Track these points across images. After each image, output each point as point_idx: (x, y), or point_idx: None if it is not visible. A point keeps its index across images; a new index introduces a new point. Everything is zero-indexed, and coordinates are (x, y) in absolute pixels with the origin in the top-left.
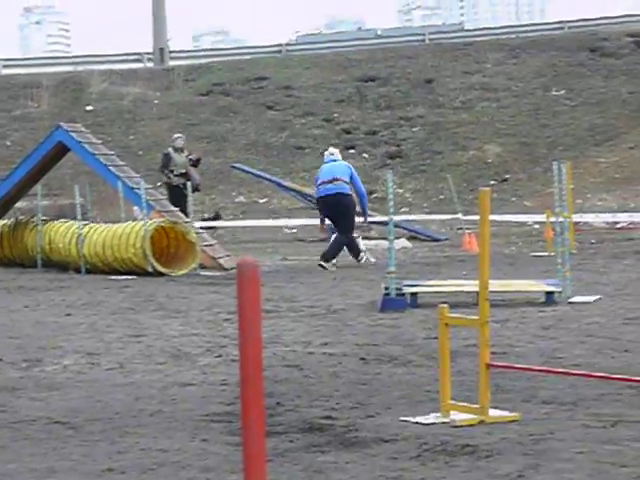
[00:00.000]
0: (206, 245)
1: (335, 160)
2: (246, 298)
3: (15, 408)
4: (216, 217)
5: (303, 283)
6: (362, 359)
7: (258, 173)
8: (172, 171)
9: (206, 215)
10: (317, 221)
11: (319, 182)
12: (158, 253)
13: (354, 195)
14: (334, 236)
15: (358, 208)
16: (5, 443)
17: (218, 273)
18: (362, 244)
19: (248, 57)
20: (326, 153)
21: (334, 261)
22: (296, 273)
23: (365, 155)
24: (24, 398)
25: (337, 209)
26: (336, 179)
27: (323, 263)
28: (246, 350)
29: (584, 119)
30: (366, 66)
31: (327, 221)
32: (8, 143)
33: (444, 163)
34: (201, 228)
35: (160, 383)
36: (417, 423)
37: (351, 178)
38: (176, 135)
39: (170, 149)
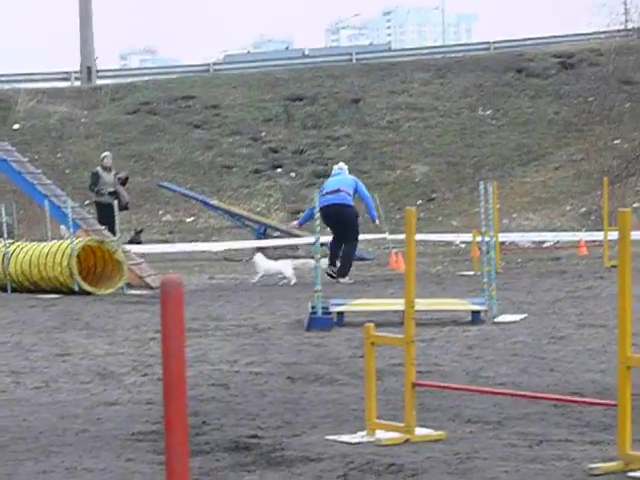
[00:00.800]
0: (133, 264)
1: (341, 174)
2: (170, 316)
3: None
4: (137, 234)
5: (230, 302)
6: (288, 378)
7: (185, 192)
8: (101, 190)
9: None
10: (243, 242)
11: (323, 193)
12: (85, 272)
13: (355, 208)
14: (342, 250)
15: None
16: None
17: (145, 292)
18: (290, 264)
19: (175, 76)
20: (335, 167)
21: (349, 276)
22: (223, 292)
23: (292, 174)
24: None
25: (338, 219)
26: (339, 190)
27: (341, 280)
28: (169, 368)
29: (510, 139)
30: (293, 85)
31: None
32: None
33: (371, 182)
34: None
35: (86, 402)
36: (343, 442)
37: (356, 190)
38: (104, 154)
39: (99, 168)
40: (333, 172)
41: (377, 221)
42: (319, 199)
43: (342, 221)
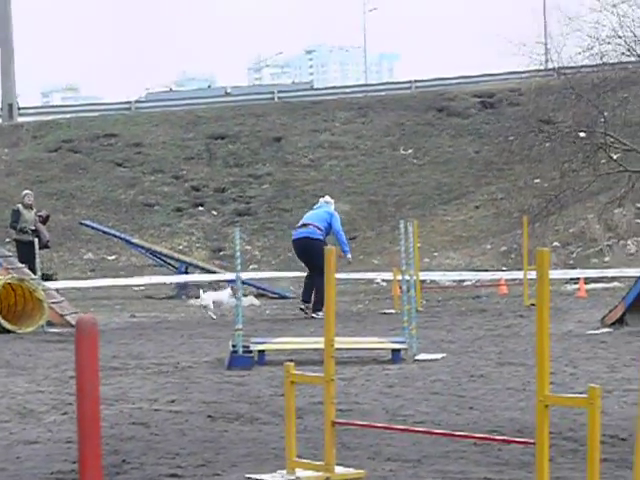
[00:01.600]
0: (54, 302)
1: (322, 207)
2: (84, 355)
3: None
4: (48, 279)
5: (151, 340)
6: (209, 417)
7: (107, 230)
8: (22, 228)
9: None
10: (164, 278)
11: (296, 226)
12: (5, 310)
13: (323, 241)
14: (316, 284)
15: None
16: None
17: (66, 330)
18: (208, 298)
19: (97, 114)
20: (320, 200)
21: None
22: (144, 330)
23: (214, 212)
24: None
25: (304, 252)
26: (308, 224)
27: (314, 315)
28: (83, 406)
29: (431, 178)
30: (215, 123)
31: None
32: None
33: (293, 220)
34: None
35: (5, 441)
36: None
37: (330, 224)
38: (25, 191)
39: (19, 205)
40: (315, 205)
41: (349, 256)
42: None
43: (308, 254)
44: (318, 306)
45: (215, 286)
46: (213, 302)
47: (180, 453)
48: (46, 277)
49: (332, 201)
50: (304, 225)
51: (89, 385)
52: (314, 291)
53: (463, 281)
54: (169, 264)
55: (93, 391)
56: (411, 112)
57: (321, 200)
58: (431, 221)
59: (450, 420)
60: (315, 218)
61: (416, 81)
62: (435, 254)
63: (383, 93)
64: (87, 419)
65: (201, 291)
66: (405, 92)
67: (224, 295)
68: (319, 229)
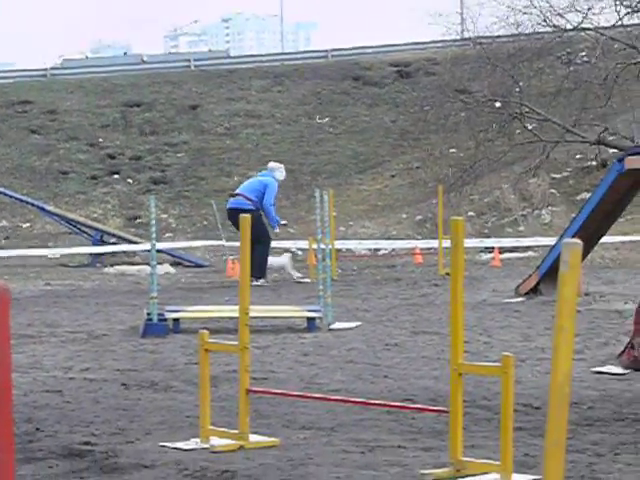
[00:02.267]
0: None
1: (263, 175)
2: None
3: None
4: None
5: (66, 308)
6: (123, 385)
7: (21, 197)
8: None
9: None
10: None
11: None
12: None
13: (254, 210)
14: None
15: None
16: None
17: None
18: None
19: (12, 80)
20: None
21: (264, 279)
22: (59, 298)
23: (130, 180)
24: None
25: (235, 222)
26: (237, 194)
27: (255, 282)
28: None
29: (347, 147)
30: (131, 91)
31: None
32: None
33: (209, 189)
34: None
35: None
36: (177, 449)
37: (263, 194)
38: None
39: None
40: (260, 172)
41: (276, 228)
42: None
43: (237, 225)
44: (253, 273)
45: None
46: (275, 266)
47: (94, 421)
48: None
49: (277, 166)
50: (234, 195)
51: (0, 352)
52: (251, 260)
53: (378, 250)
54: (84, 232)
55: (4, 358)
56: (327, 81)
57: (268, 165)
58: (347, 190)
59: (364, 388)
60: (246, 188)
61: (332, 50)
62: (351, 223)
63: (299, 62)
64: None
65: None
66: (321, 61)
67: (284, 260)
68: (248, 199)
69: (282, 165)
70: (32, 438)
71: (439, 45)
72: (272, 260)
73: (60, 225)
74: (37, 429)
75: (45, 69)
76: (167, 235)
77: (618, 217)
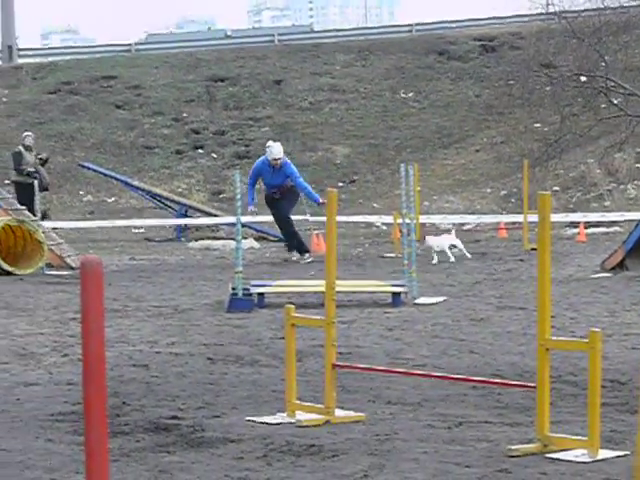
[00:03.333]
0: (53, 244)
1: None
2: (89, 295)
3: None
4: (44, 217)
5: (151, 283)
6: (209, 359)
7: (106, 172)
8: (23, 170)
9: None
10: (163, 220)
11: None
12: (4, 252)
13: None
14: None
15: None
16: None
17: (65, 272)
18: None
19: (97, 56)
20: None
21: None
22: (144, 272)
23: (214, 155)
24: None
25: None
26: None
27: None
28: (89, 347)
29: (432, 121)
30: (215, 66)
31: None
32: None
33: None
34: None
35: (5, 383)
36: (263, 423)
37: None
38: (26, 133)
39: (21, 147)
40: None
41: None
42: None
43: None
44: (291, 246)
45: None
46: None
47: (180, 395)
48: (42, 215)
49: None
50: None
51: (94, 325)
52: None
53: (463, 224)
54: (168, 206)
55: (98, 332)
56: (411, 55)
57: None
58: (431, 165)
59: (450, 364)
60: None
61: (417, 24)
62: (435, 198)
63: (383, 36)
64: (92, 360)
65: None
66: (405, 35)
67: (446, 240)
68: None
69: (274, 144)
70: (119, 412)
71: (524, 20)
72: (434, 240)
73: (145, 200)
74: (124, 403)
75: (130, 44)
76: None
77: None
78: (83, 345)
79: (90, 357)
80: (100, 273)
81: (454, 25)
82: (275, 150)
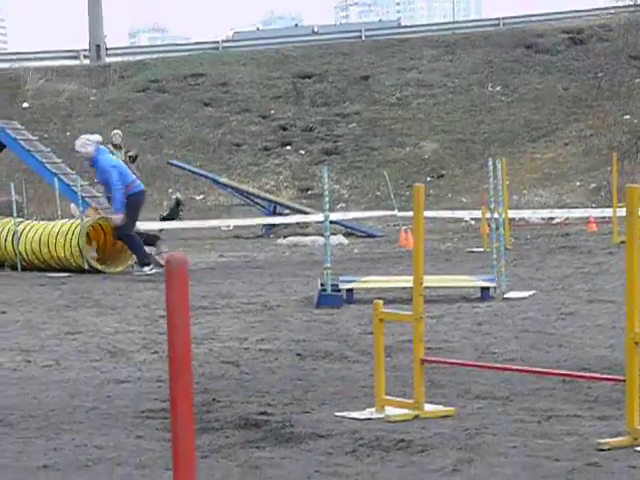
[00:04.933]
0: None
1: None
2: (175, 292)
3: None
4: (178, 204)
5: (240, 279)
6: (298, 355)
7: (195, 170)
8: None
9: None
10: (254, 219)
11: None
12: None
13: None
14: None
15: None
16: None
17: (155, 270)
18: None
19: (185, 54)
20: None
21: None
22: (233, 269)
23: (302, 151)
24: None
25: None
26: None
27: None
28: (175, 344)
29: (520, 115)
30: (302, 63)
31: None
32: None
33: (380, 159)
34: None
35: (96, 380)
36: (352, 418)
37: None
38: (114, 132)
39: (109, 145)
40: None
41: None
42: (134, 183)
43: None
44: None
45: None
46: None
47: (270, 391)
48: (176, 202)
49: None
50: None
51: (180, 322)
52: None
53: (552, 218)
54: (257, 204)
55: (184, 328)
56: (499, 49)
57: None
58: (520, 159)
59: (539, 358)
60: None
61: (504, 18)
62: (524, 192)
63: (470, 30)
64: (178, 356)
65: None
66: (493, 29)
67: None
68: None
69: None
70: (209, 408)
71: (612, 12)
72: None
73: (233, 197)
74: (213, 399)
75: (217, 42)
76: (339, 206)
77: None
78: (169, 341)
79: (176, 354)
80: (185, 269)
81: (542, 18)
82: (78, 143)
